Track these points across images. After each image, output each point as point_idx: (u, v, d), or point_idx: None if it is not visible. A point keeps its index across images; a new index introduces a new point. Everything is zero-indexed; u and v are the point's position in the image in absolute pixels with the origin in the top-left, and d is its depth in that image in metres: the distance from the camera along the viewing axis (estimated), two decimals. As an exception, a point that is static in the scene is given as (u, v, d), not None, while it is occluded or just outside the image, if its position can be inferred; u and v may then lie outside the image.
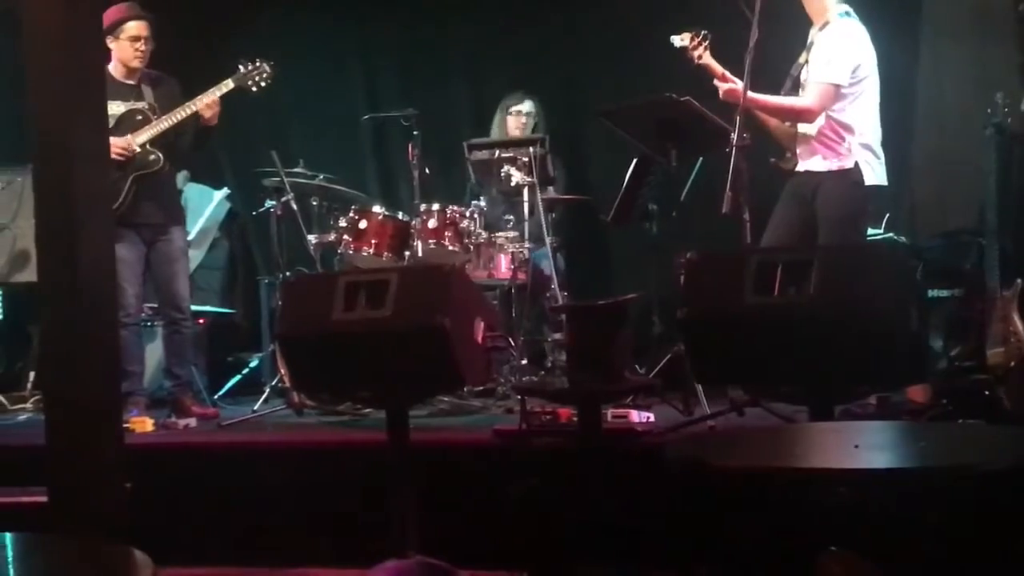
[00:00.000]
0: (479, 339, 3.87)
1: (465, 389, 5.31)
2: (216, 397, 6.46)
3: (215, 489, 4.62)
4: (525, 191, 5.92)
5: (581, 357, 4.03)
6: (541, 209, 5.94)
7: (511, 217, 6.16)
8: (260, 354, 6.82)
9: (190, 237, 6.53)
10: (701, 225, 5.29)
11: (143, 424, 5.31)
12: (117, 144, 5.38)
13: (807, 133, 4.96)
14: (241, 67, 5.74)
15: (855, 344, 3.42)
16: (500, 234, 6.07)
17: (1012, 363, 4.61)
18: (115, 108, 5.49)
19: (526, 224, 5.97)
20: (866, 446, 2.40)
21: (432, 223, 5.90)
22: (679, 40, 4.97)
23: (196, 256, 7.03)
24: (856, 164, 4.83)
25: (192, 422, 5.56)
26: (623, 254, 7.02)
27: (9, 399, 6.45)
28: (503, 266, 6.06)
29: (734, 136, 4.70)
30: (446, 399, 5.52)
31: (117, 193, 5.41)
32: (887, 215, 5.78)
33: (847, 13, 4.91)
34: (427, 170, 6.27)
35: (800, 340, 3.50)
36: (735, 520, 2.12)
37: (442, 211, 5.94)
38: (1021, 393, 4.55)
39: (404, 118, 6.38)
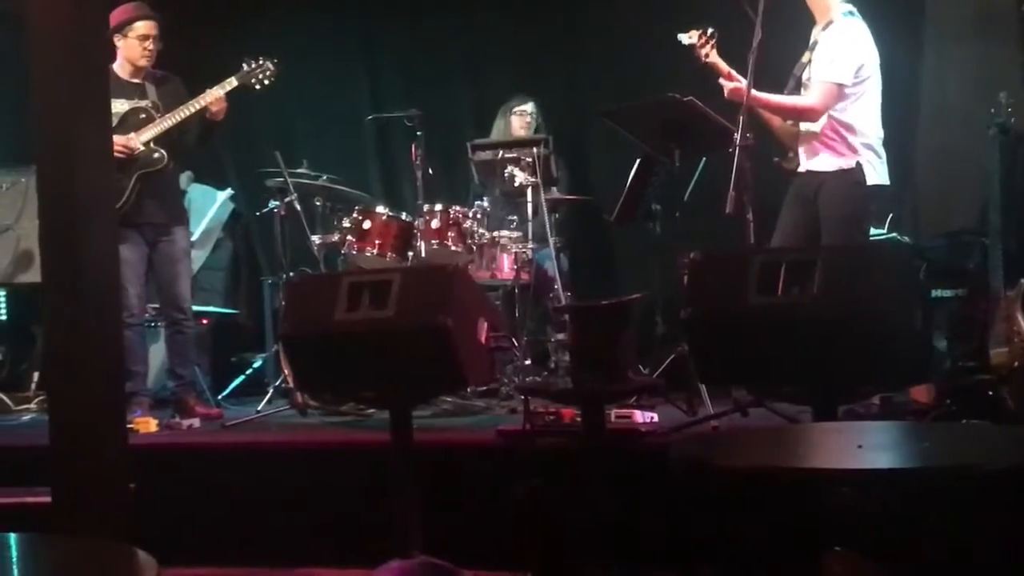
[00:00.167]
0: (482, 339, 3.86)
1: (468, 389, 5.30)
2: (220, 397, 6.48)
3: (219, 489, 4.62)
4: (528, 191, 5.92)
5: (584, 357, 4.03)
6: (544, 209, 5.94)
7: (514, 217, 6.17)
8: (264, 354, 6.82)
9: (194, 238, 6.54)
10: (704, 225, 5.29)
11: (147, 424, 5.31)
12: (119, 142, 5.38)
13: (809, 133, 4.96)
14: (245, 65, 5.75)
15: (858, 344, 3.42)
16: (503, 234, 6.07)
17: (1016, 363, 4.61)
18: (119, 106, 5.49)
19: (529, 224, 5.97)
20: (869, 446, 2.40)
21: (435, 223, 5.90)
22: (687, 38, 4.96)
23: (200, 257, 7.04)
24: (858, 164, 4.83)
25: (196, 422, 5.56)
26: (626, 254, 7.02)
27: (13, 399, 6.46)
28: (506, 266, 6.06)
29: (737, 136, 4.69)
30: (449, 399, 5.52)
31: (121, 192, 5.41)
32: (890, 215, 5.77)
33: (851, 12, 4.90)
34: (430, 170, 6.28)
35: (803, 340, 3.49)
36: (738, 520, 2.12)
37: (445, 211, 5.94)
38: (1025, 393, 4.55)
39: (408, 118, 6.39)
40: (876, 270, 3.64)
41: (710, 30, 4.92)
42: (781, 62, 5.09)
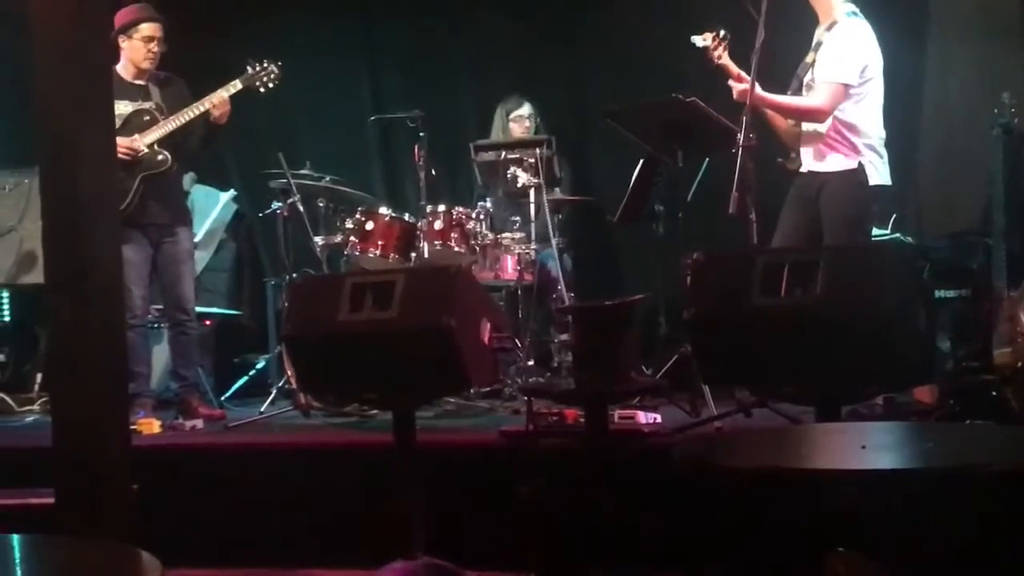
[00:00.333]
0: (485, 340, 3.86)
1: (471, 390, 5.29)
2: (223, 398, 6.48)
3: (222, 490, 4.63)
4: (531, 192, 5.93)
5: (587, 358, 4.03)
6: (547, 210, 5.95)
7: (517, 218, 6.17)
8: (267, 355, 6.82)
9: (197, 239, 6.54)
10: (707, 226, 5.30)
11: (150, 426, 5.31)
12: (122, 144, 5.39)
13: (811, 133, 4.96)
14: (249, 68, 5.76)
15: (862, 345, 3.41)
16: (506, 235, 6.07)
17: (1019, 363, 4.60)
18: (122, 108, 5.50)
19: (532, 225, 5.97)
20: (873, 447, 2.40)
21: (438, 224, 5.90)
22: (701, 40, 4.93)
23: (203, 258, 7.04)
24: (860, 164, 4.82)
25: (199, 423, 5.56)
26: (629, 255, 7.02)
27: (16, 401, 6.46)
28: (509, 267, 6.06)
29: (740, 136, 4.69)
30: (452, 400, 5.52)
31: (124, 193, 5.42)
32: (894, 215, 5.77)
33: (854, 13, 4.90)
34: (433, 171, 6.28)
35: (807, 341, 3.49)
36: (741, 521, 2.12)
37: (448, 212, 5.94)
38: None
39: (410, 119, 6.39)
40: (879, 271, 3.64)
41: (722, 32, 4.91)
42: (784, 62, 5.08)
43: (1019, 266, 4.94)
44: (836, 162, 4.88)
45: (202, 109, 5.60)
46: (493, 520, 4.16)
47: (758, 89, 4.81)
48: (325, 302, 3.88)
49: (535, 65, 7.31)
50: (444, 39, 7.58)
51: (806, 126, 4.99)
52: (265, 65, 5.77)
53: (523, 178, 5.93)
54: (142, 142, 5.56)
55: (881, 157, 4.90)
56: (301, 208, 6.10)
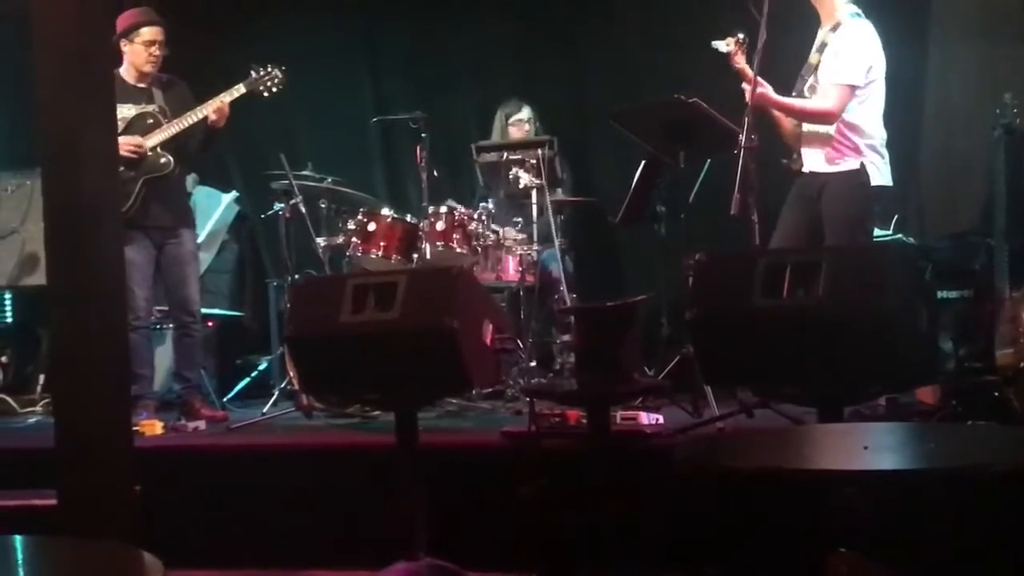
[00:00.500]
0: (487, 341, 3.86)
1: (473, 391, 5.30)
2: (225, 400, 6.49)
3: (224, 492, 4.63)
4: (533, 193, 5.93)
5: (590, 359, 4.03)
6: (549, 211, 5.95)
7: (519, 219, 6.17)
8: (269, 357, 6.82)
9: (199, 240, 6.54)
10: (709, 227, 5.29)
11: (152, 427, 5.31)
12: (129, 142, 5.40)
13: (812, 133, 4.95)
14: (253, 72, 5.76)
15: (864, 345, 3.42)
16: (508, 236, 6.07)
17: (1021, 364, 4.60)
18: (126, 111, 5.51)
19: (534, 226, 5.98)
20: (875, 447, 2.40)
21: (440, 225, 5.90)
22: (724, 45, 4.90)
23: (205, 259, 7.04)
24: (862, 165, 4.82)
25: (201, 425, 5.56)
26: (631, 256, 7.02)
27: (19, 402, 6.47)
28: (511, 268, 6.06)
29: (742, 137, 4.69)
30: (454, 401, 5.53)
31: (127, 195, 5.43)
32: (895, 216, 5.77)
33: (858, 14, 4.90)
34: (435, 172, 6.28)
35: (808, 341, 3.49)
36: (743, 521, 2.12)
37: (450, 213, 5.94)
38: (1031, 394, 4.55)
39: (412, 121, 6.38)
40: (881, 271, 3.64)
41: (741, 36, 4.90)
42: (786, 63, 5.08)
43: (1021, 266, 4.94)
44: (838, 163, 4.88)
45: (204, 113, 5.61)
46: (495, 521, 4.16)
47: (770, 92, 4.81)
48: (327, 303, 3.89)
49: (536, 66, 7.31)
50: (445, 40, 7.59)
51: (807, 127, 4.99)
52: (269, 69, 5.78)
53: (525, 179, 5.94)
54: (146, 144, 5.56)
55: (883, 158, 4.90)
56: (303, 209, 6.10)
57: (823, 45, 4.96)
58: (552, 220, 6.02)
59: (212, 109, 5.60)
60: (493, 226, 6.02)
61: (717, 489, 2.20)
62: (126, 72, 5.69)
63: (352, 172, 6.81)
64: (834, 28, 4.93)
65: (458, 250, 5.90)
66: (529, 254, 6.00)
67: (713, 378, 4.21)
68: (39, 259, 6.43)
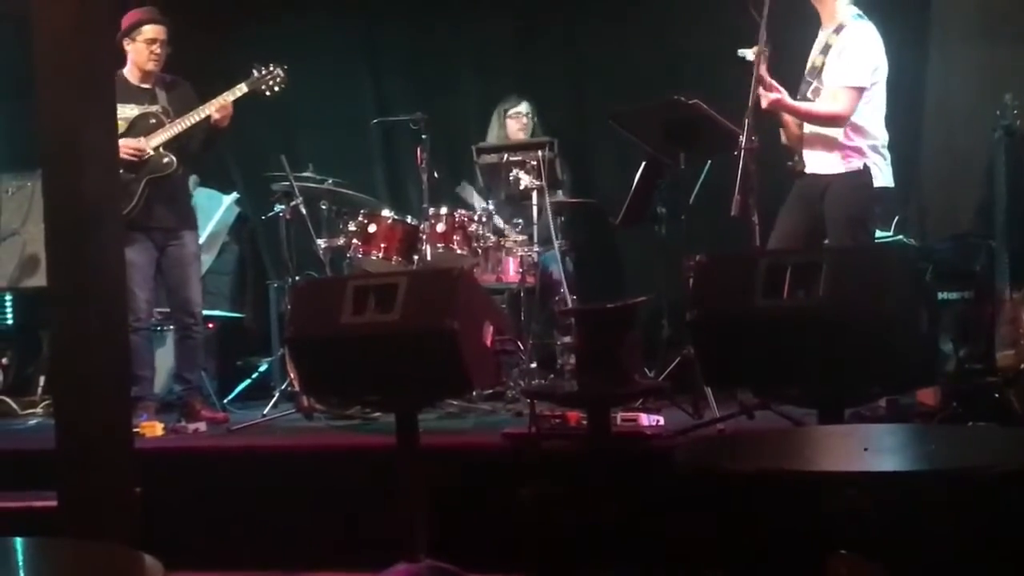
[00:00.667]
0: (488, 342, 3.87)
1: (474, 392, 5.31)
2: (226, 401, 6.49)
3: (225, 493, 4.63)
4: (534, 194, 5.93)
5: (590, 360, 4.03)
6: (549, 212, 5.95)
7: (519, 220, 6.17)
8: (269, 358, 6.82)
9: (200, 241, 6.54)
10: (710, 228, 5.29)
11: (153, 429, 5.31)
12: (130, 145, 5.40)
13: (818, 135, 4.95)
14: (255, 72, 5.75)
15: (865, 346, 3.41)
16: (509, 237, 6.07)
17: (1022, 365, 4.60)
18: (128, 111, 5.51)
19: (535, 227, 5.98)
20: (875, 449, 2.40)
21: (440, 227, 5.90)
22: (750, 54, 4.87)
23: (206, 260, 7.03)
24: (865, 166, 4.82)
25: (202, 426, 5.55)
26: (632, 257, 7.02)
27: (20, 404, 6.47)
28: (512, 269, 6.06)
29: (743, 138, 4.69)
30: (455, 402, 5.52)
31: (130, 197, 5.43)
32: (896, 217, 5.77)
33: (860, 15, 4.90)
34: (435, 174, 6.28)
35: (809, 343, 3.49)
36: (744, 523, 2.12)
37: (450, 215, 5.94)
38: (1031, 395, 4.55)
39: (413, 122, 6.38)
40: (882, 272, 3.64)
41: (765, 45, 4.87)
42: (786, 64, 5.07)
43: (1022, 268, 4.94)
44: (841, 164, 4.88)
45: (206, 113, 5.61)
46: (496, 522, 4.16)
47: (786, 97, 4.82)
48: (328, 305, 3.89)
49: (536, 66, 7.31)
50: (445, 40, 7.58)
51: (809, 128, 4.99)
52: (271, 69, 5.77)
53: (525, 180, 5.94)
54: (148, 145, 5.56)
55: (885, 159, 4.90)
56: (304, 211, 6.09)
57: (826, 47, 4.94)
58: (552, 221, 6.02)
59: (215, 108, 5.59)
60: (497, 220, 6.01)
61: (717, 490, 2.20)
62: (129, 72, 5.68)
63: (352, 173, 6.81)
64: (837, 30, 4.91)
65: (458, 251, 5.90)
66: (529, 255, 6.00)
67: (713, 379, 4.21)
68: (40, 261, 6.43)
